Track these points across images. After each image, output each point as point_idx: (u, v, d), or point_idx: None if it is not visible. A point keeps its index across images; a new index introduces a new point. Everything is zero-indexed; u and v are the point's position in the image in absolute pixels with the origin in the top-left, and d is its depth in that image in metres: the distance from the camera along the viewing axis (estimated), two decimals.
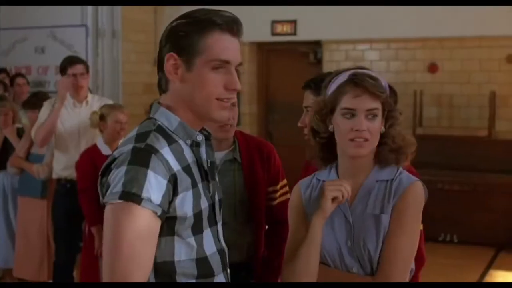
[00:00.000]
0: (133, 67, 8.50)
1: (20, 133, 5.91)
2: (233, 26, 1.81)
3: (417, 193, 2.15)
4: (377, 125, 2.14)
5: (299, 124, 2.87)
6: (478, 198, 7.60)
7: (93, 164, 4.54)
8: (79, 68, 5.21)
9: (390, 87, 2.25)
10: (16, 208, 5.80)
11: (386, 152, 2.19)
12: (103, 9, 8.01)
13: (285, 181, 3.22)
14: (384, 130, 2.18)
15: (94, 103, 5.27)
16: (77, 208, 4.81)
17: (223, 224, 2.95)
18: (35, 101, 5.70)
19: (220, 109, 1.82)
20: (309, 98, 2.83)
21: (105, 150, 4.71)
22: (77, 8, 7.91)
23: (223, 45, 1.79)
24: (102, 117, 4.85)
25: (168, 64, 1.78)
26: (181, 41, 1.78)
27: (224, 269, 1.91)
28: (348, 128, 2.13)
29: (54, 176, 5.29)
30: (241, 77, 2.83)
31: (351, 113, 2.13)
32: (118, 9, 8.13)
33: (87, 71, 5.28)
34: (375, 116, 2.13)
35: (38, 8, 7.94)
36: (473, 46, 8.33)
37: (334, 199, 2.12)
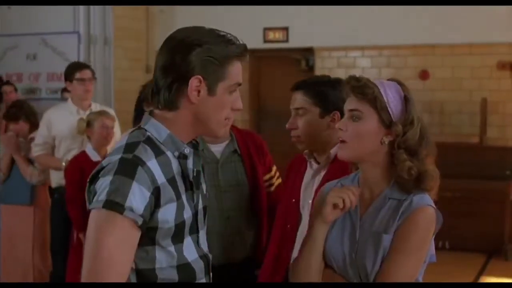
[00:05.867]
0: (125, 74, 8.49)
1: None
2: (246, 55, 1.90)
3: (424, 218, 2.07)
4: (358, 128, 2.11)
5: (287, 126, 2.85)
6: (470, 205, 7.62)
7: (81, 172, 4.59)
8: (87, 73, 5.23)
9: (406, 98, 2.13)
10: None
11: (400, 178, 2.10)
12: (95, 16, 7.99)
13: (275, 166, 3.33)
14: (385, 142, 2.11)
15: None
16: None
17: (227, 218, 3.05)
18: (16, 112, 5.64)
19: (224, 128, 1.92)
20: (298, 99, 2.81)
21: (94, 156, 4.76)
22: (69, 15, 7.88)
23: (239, 71, 1.89)
24: (88, 124, 4.90)
25: (193, 86, 1.82)
26: (210, 67, 1.83)
27: (207, 273, 1.95)
28: (337, 128, 2.18)
29: (54, 184, 5.25)
30: None
31: (344, 114, 2.19)
32: (110, 16, 8.12)
33: (94, 77, 5.30)
34: (359, 119, 2.12)
35: (29, 15, 7.91)
36: (464, 53, 8.37)
37: (335, 205, 2.09)
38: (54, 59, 7.45)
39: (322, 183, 2.68)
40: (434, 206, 2.13)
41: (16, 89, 7.24)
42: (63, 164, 5.12)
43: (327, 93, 2.74)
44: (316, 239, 2.14)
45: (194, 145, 1.96)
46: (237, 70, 1.87)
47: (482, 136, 8.01)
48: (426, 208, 2.09)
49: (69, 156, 5.15)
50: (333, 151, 2.70)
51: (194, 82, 1.82)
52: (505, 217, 7.59)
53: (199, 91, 1.83)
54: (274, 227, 3.00)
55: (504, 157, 7.81)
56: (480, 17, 8.01)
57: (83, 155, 4.83)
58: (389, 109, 2.10)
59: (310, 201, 2.72)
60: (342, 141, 2.15)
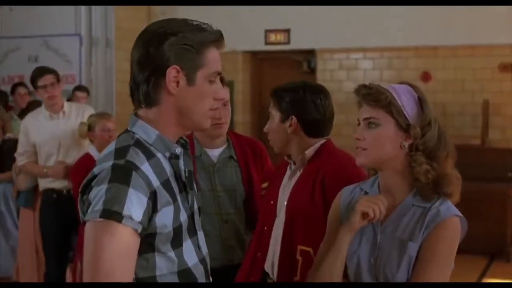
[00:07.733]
0: (126, 76, 8.35)
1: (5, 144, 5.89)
2: (222, 41, 1.85)
3: (453, 229, 2.07)
4: (377, 134, 2.08)
5: (264, 130, 2.87)
6: (471, 207, 7.55)
7: (87, 173, 4.53)
8: (48, 78, 5.05)
9: (420, 100, 2.12)
10: (11, 215, 5.80)
11: (420, 185, 2.09)
12: (97, 18, 8.00)
13: None
14: (405, 146, 2.08)
15: (72, 111, 5.18)
16: (65, 218, 4.79)
17: (225, 222, 3.04)
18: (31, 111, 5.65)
19: (209, 119, 1.87)
20: (271, 104, 2.83)
21: (98, 157, 4.71)
22: (70, 17, 7.90)
23: (217, 58, 1.84)
24: (90, 127, 4.87)
25: (171, 76, 1.78)
26: (186, 55, 1.78)
27: (207, 278, 1.91)
28: (355, 138, 2.14)
29: (41, 188, 5.24)
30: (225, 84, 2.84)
31: (358, 123, 2.15)
32: (112, 18, 8.13)
33: (58, 81, 5.11)
34: (376, 125, 2.09)
35: (31, 17, 7.93)
36: (466, 54, 8.37)
37: (364, 214, 2.06)
38: (56, 61, 7.45)
39: (297, 184, 2.68)
40: (460, 214, 2.11)
41: (30, 92, 7.23)
42: (45, 170, 5.10)
43: (284, 98, 2.74)
44: (341, 247, 2.10)
45: (183, 144, 1.91)
46: (214, 57, 1.82)
47: (484, 138, 8.01)
48: (453, 219, 2.08)
49: (50, 163, 5.11)
50: (308, 152, 2.69)
51: (171, 72, 1.77)
52: (507, 219, 7.57)
53: (177, 82, 1.78)
54: (256, 229, 2.99)
55: (506, 159, 7.80)
56: (482, 18, 8.01)
57: (87, 156, 4.80)
58: (405, 112, 2.08)
59: (286, 203, 2.70)
60: (363, 149, 2.12)
